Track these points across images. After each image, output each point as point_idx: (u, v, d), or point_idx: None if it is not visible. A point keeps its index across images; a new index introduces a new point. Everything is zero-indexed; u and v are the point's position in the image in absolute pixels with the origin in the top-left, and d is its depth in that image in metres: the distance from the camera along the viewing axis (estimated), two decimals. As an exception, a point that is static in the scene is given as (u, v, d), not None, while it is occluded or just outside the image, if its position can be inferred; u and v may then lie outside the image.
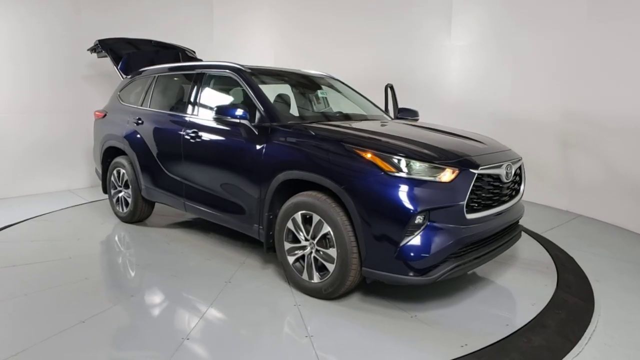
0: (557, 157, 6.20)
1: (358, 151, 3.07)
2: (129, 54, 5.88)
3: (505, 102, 6.80)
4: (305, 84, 4.88)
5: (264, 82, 4.22)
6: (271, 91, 4.42)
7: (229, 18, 7.79)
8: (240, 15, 7.85)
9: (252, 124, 3.68)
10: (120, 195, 5.15)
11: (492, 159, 3.26)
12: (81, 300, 3.22)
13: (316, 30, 7.78)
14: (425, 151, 3.08)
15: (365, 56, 7.71)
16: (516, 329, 2.89)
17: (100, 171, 5.50)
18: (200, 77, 4.43)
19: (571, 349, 2.68)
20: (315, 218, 3.17)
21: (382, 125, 4.00)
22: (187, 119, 4.35)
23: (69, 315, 2.96)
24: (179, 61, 6.23)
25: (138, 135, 4.81)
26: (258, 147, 3.59)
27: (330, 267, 3.13)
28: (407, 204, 2.82)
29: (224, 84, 4.51)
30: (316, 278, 3.23)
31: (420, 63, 7.65)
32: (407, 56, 7.66)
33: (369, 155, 3.01)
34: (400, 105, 5.26)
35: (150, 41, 6.35)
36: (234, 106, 3.75)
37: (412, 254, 2.83)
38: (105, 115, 5.42)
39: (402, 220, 2.81)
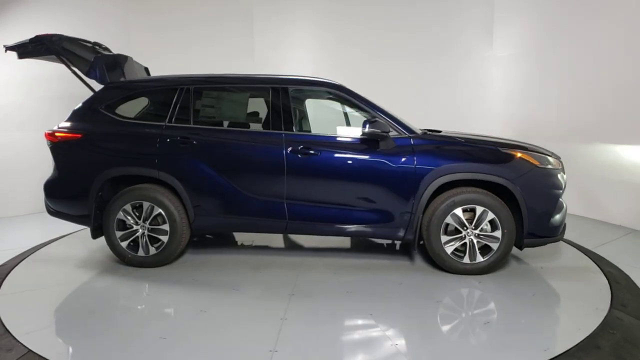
0: (609, 170, 5.90)
1: (512, 152, 3.91)
2: (99, 57, 4.43)
3: (552, 114, 6.59)
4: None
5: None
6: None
7: (269, 32, 7.90)
8: (280, 30, 7.96)
9: (392, 137, 3.95)
10: (138, 234, 4.11)
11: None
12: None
13: (358, 45, 7.75)
14: (541, 149, 4.14)
15: (407, 69, 7.66)
16: (566, 348, 2.72)
17: (86, 211, 4.14)
18: (284, 92, 4.14)
19: (629, 372, 2.51)
20: (479, 209, 3.84)
21: (462, 134, 4.43)
22: (289, 135, 4.03)
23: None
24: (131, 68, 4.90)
25: (189, 158, 4.05)
26: (406, 157, 3.90)
27: (495, 245, 3.87)
28: (557, 186, 3.96)
29: (316, 98, 4.76)
30: (479, 258, 3.89)
31: (462, 74, 7.60)
32: (450, 67, 7.61)
33: (519, 155, 3.90)
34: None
35: (87, 41, 4.69)
36: (378, 121, 3.88)
37: (556, 222, 3.93)
38: (83, 135, 4.15)
39: (556, 198, 3.94)
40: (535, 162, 3.91)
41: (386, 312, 3.30)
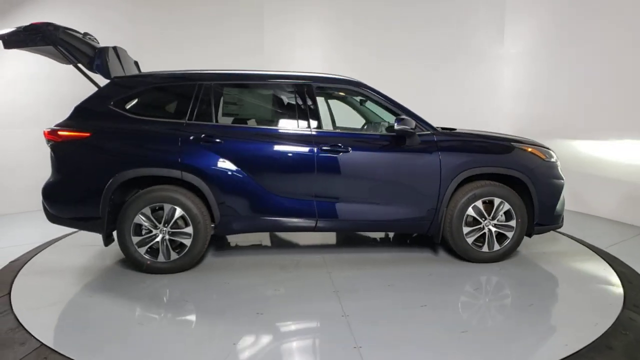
0: (619, 168, 5.85)
1: (524, 147, 4.20)
2: (103, 49, 4.15)
3: (562, 111, 6.58)
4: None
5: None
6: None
7: (279, 29, 7.88)
8: (290, 27, 7.94)
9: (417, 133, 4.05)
10: (158, 239, 3.88)
11: None
12: None
13: (367, 43, 7.70)
14: (538, 142, 4.39)
15: (415, 68, 7.64)
16: (578, 349, 2.71)
17: (94, 215, 3.83)
18: (308, 90, 4.13)
19: (641, 373, 2.49)
20: (497, 201, 4.08)
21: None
22: (318, 133, 4.03)
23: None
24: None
25: (215, 157, 3.89)
26: (431, 153, 4.04)
27: (510, 234, 4.13)
28: (561, 178, 4.26)
29: (339, 96, 4.77)
30: (496, 247, 4.13)
31: (473, 74, 7.61)
32: (457, 66, 7.63)
33: (529, 149, 4.20)
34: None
35: (77, 31, 4.21)
36: (407, 119, 3.92)
37: (559, 211, 4.27)
38: (93, 134, 3.87)
39: (560, 189, 4.25)
40: (543, 156, 4.22)
41: (437, 302, 3.41)
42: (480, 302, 3.50)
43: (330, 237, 5.10)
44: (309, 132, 4.02)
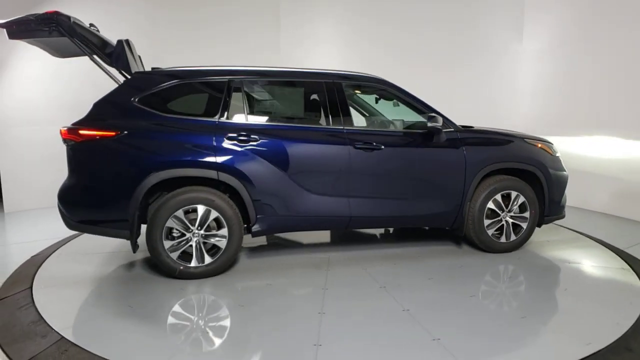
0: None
1: (535, 143, 4.46)
2: (121, 42, 3.86)
3: (580, 109, 6.53)
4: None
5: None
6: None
7: (295, 28, 7.89)
8: (306, 25, 7.94)
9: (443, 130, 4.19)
10: (194, 242, 3.69)
11: None
12: None
13: (384, 43, 7.67)
14: (547, 140, 4.65)
15: (434, 67, 7.60)
16: (596, 350, 2.67)
17: (118, 219, 3.60)
18: (339, 87, 4.13)
19: (662, 377, 2.48)
20: (514, 194, 4.32)
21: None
22: (350, 131, 4.02)
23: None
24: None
25: (252, 156, 3.75)
26: (457, 149, 4.21)
27: (524, 225, 4.38)
28: (564, 170, 4.57)
29: (366, 93, 4.76)
30: (513, 237, 4.37)
31: (491, 71, 7.56)
32: (479, 65, 7.57)
33: (539, 145, 4.47)
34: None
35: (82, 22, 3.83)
36: (437, 117, 4.05)
37: (563, 202, 4.60)
38: (119, 133, 3.58)
39: (566, 181, 4.55)
40: (550, 151, 4.52)
41: (483, 292, 3.62)
42: (520, 289, 3.80)
43: (338, 235, 5.14)
44: (342, 130, 4.03)
